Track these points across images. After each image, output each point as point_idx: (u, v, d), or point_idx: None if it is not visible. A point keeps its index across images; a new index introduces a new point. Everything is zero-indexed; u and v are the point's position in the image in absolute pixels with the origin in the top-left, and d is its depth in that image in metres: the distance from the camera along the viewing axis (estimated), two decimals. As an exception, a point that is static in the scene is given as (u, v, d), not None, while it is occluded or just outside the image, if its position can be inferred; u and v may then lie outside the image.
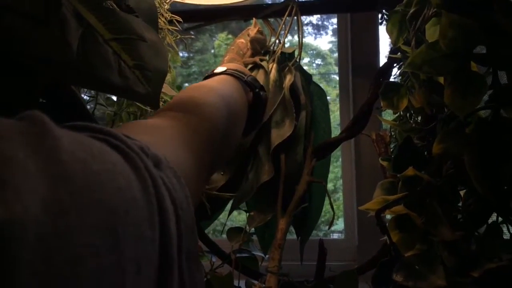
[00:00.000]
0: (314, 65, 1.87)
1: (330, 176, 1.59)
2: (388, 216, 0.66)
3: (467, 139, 0.54)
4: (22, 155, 0.18)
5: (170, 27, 0.82)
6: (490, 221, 0.60)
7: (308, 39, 1.81)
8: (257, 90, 0.61)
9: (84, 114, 0.65)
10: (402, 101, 0.65)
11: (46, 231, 0.18)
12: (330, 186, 1.59)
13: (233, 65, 0.67)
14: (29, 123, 0.21)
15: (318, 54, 1.89)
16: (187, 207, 0.29)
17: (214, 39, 1.92)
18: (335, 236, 1.39)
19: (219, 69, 0.65)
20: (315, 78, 1.49)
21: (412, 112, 0.74)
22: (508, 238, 0.57)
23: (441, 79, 0.65)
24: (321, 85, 1.01)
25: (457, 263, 0.57)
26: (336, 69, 1.86)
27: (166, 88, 0.70)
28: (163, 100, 0.73)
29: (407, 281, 0.53)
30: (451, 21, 0.51)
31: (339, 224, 1.34)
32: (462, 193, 0.63)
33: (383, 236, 0.59)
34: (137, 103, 0.63)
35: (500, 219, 0.58)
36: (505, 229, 0.60)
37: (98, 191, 0.21)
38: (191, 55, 1.90)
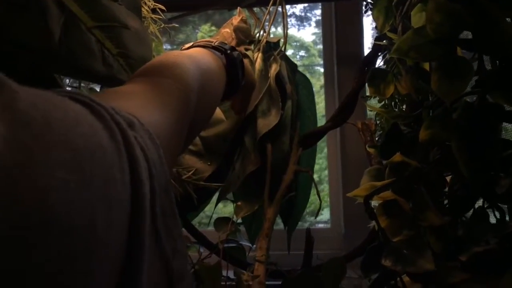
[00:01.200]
0: (297, 56, 1.87)
1: (315, 167, 1.60)
2: (374, 203, 0.66)
3: (454, 125, 0.54)
4: None
5: (153, 16, 0.80)
6: (476, 206, 0.60)
7: (292, 31, 1.80)
8: (228, 51, 0.60)
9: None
10: (389, 88, 0.65)
11: (7, 163, 0.18)
12: (315, 177, 1.60)
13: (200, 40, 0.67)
14: None
15: (302, 46, 1.89)
16: (161, 167, 0.28)
17: (197, 31, 1.90)
18: (321, 225, 1.39)
19: (186, 46, 0.64)
20: (299, 70, 1.49)
21: (397, 100, 0.74)
22: (495, 222, 0.58)
23: (426, 66, 0.65)
24: None
25: (444, 248, 0.58)
26: (320, 60, 1.85)
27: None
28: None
29: (396, 265, 0.54)
30: (438, 5, 0.51)
31: (325, 215, 1.34)
32: (448, 179, 0.63)
33: (369, 223, 0.59)
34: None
35: (486, 204, 0.59)
36: (491, 215, 0.61)
37: (60, 134, 0.21)
38: (174, 47, 1.88)
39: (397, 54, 0.56)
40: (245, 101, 0.77)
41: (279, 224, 0.98)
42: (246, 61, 0.74)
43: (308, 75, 1.81)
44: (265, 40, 0.90)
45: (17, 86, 0.21)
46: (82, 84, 0.76)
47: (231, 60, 0.60)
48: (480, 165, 0.53)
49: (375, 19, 0.67)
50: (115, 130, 0.25)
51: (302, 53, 1.93)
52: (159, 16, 0.81)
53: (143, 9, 0.80)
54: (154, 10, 0.83)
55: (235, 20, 0.88)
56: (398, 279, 0.58)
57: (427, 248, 0.54)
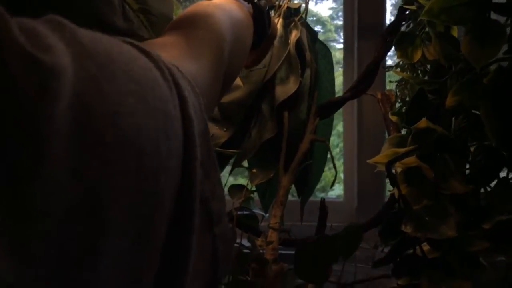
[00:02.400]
0: (314, 31, 1.84)
1: (332, 139, 1.58)
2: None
3: (483, 91, 0.53)
4: (51, 33, 0.20)
5: (174, -25, 0.79)
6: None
7: (309, 5, 1.77)
8: (255, 0, 0.60)
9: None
10: (417, 52, 0.64)
11: (79, 91, 0.19)
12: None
13: None
14: (45, 21, 0.21)
15: (318, 20, 1.86)
16: (200, 113, 0.29)
17: None
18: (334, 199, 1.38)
19: None
20: (319, 39, 1.45)
21: (420, 70, 0.73)
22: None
23: (455, 33, 0.63)
24: None
25: (465, 218, 0.57)
26: (336, 36, 1.82)
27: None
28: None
29: (416, 232, 0.53)
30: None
31: (336, 190, 1.34)
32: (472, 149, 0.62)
33: (382, 198, 0.58)
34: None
35: (511, 174, 0.58)
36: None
37: (123, 65, 0.22)
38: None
39: (428, 16, 0.54)
40: (263, 53, 0.75)
41: (292, 195, 0.97)
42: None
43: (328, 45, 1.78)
44: (286, 6, 0.88)
45: (75, 27, 0.22)
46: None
47: (258, 9, 0.59)
48: (508, 133, 0.52)
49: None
50: (164, 70, 0.26)
51: (318, 28, 1.90)
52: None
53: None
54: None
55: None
56: (418, 247, 0.57)
57: (450, 215, 0.53)
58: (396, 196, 0.58)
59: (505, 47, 0.54)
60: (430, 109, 0.58)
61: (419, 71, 0.78)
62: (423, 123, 0.55)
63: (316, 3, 1.85)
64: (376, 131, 1.05)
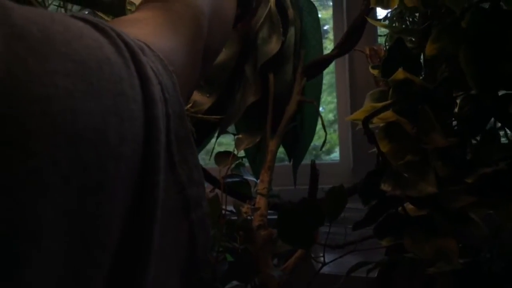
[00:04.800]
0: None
1: (330, 106, 1.54)
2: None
3: (463, 35, 0.49)
4: None
5: None
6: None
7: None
8: None
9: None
10: (393, -1, 0.59)
11: (1, 75, 0.17)
12: (330, 116, 1.55)
13: None
14: None
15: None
16: (174, 93, 0.27)
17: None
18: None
19: None
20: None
21: (410, 17, 0.68)
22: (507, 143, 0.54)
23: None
24: (319, 13, 0.94)
25: (451, 173, 0.54)
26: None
27: (135, -3, 0.64)
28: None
29: (395, 189, 0.50)
30: None
31: (338, 152, 1.31)
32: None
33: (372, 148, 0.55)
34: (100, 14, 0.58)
35: (498, 124, 0.54)
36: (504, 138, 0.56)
37: (60, 46, 0.20)
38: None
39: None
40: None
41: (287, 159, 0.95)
42: None
43: (322, 11, 1.73)
44: (265, -39, 0.83)
45: (12, 3, 0.20)
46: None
47: None
48: (490, 79, 0.48)
49: None
50: (121, 46, 0.24)
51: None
52: None
53: None
54: None
55: None
56: (400, 207, 0.54)
57: (430, 171, 0.50)
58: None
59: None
60: (409, 59, 0.54)
61: (408, 22, 0.73)
62: (400, 74, 0.51)
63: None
64: (369, 88, 1.01)
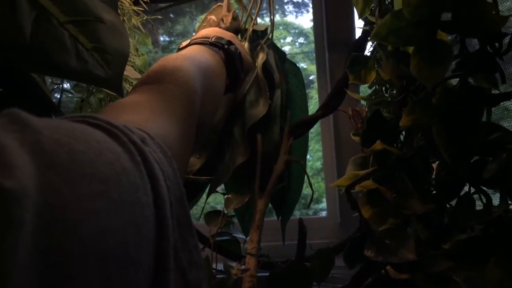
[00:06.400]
0: (297, 44, 1.85)
1: (318, 155, 1.57)
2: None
3: (435, 110, 0.53)
4: (14, 144, 0.19)
5: (135, 8, 0.79)
6: (463, 193, 0.59)
7: (290, 18, 1.78)
8: (225, 46, 0.60)
9: (45, 102, 0.63)
10: (370, 74, 0.64)
11: (41, 208, 0.18)
12: (318, 164, 1.58)
13: (196, 35, 0.66)
14: (8, 120, 0.21)
15: (301, 32, 1.87)
16: (175, 179, 0.29)
17: (194, 21, 1.89)
18: (323, 214, 1.38)
19: (183, 44, 0.64)
20: (299, 57, 1.45)
21: (383, 86, 0.72)
22: (481, 209, 0.57)
23: (410, 49, 0.63)
24: (304, 63, 0.99)
25: (431, 236, 0.56)
26: (320, 47, 1.82)
27: (129, 72, 0.68)
28: (129, 83, 0.71)
29: (378, 256, 0.53)
30: (412, -13, 0.49)
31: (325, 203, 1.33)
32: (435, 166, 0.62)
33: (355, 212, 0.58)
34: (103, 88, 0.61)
35: (473, 190, 0.57)
36: (479, 202, 0.59)
37: (86, 166, 0.22)
38: (172, 39, 1.88)
39: (376, 39, 0.54)
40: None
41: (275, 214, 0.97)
42: (242, 44, 0.74)
43: (308, 62, 1.79)
44: (251, 29, 0.89)
45: (38, 124, 0.22)
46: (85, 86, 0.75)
47: (229, 55, 0.60)
48: (461, 149, 0.51)
49: (354, 3, 0.65)
50: (133, 152, 0.26)
51: (301, 40, 1.91)
52: (141, 9, 0.80)
53: (124, 1, 0.79)
54: (137, 2, 0.82)
55: (226, 19, 0.86)
56: (383, 271, 0.57)
57: (409, 238, 0.53)
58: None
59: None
60: (388, 129, 0.58)
61: (387, 85, 0.78)
62: (378, 145, 0.55)
63: (296, 16, 1.86)
64: (354, 146, 1.05)
